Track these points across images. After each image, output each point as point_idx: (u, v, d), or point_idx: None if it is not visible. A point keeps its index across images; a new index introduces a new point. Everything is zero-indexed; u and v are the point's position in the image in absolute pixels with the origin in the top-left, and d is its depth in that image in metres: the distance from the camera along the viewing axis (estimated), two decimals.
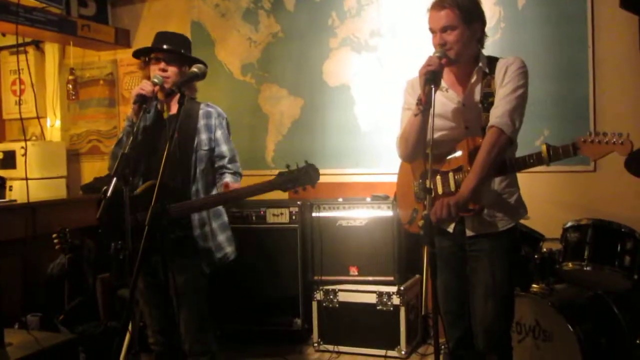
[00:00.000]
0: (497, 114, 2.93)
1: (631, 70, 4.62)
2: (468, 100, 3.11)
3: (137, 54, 3.67)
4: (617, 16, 4.56)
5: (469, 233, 3.13)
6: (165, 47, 3.52)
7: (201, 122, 3.57)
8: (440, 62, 2.91)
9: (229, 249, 3.65)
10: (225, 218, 3.67)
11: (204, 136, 3.55)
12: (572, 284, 4.14)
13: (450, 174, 3.08)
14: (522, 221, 4.13)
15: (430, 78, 2.82)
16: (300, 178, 3.17)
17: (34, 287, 5.30)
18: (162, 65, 3.49)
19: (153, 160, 3.45)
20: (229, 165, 3.57)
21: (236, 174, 3.58)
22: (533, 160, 2.89)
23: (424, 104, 2.88)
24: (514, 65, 3.03)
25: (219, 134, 3.58)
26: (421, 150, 3.11)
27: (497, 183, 3.11)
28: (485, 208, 3.06)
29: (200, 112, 3.59)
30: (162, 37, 3.61)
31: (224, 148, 3.58)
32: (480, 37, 3.13)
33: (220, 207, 3.63)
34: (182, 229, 3.44)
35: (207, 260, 3.53)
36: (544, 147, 2.80)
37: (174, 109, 3.46)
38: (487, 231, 3.11)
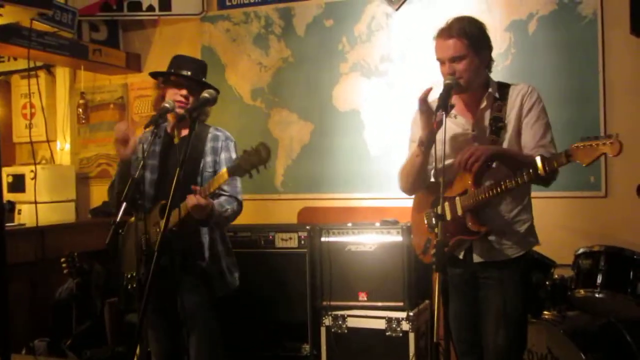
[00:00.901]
0: (541, 143, 2.96)
1: None
2: (478, 127, 3.11)
3: (155, 75, 3.72)
4: (627, 42, 4.57)
5: (477, 259, 3.12)
6: (188, 73, 3.55)
7: (208, 145, 3.62)
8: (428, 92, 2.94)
9: (236, 274, 3.70)
10: (229, 244, 3.72)
11: (209, 158, 3.60)
12: (584, 311, 4.10)
13: (457, 199, 3.08)
14: (533, 247, 4.12)
15: (441, 104, 2.82)
16: (251, 158, 3.00)
17: (42, 312, 5.27)
18: (185, 92, 3.51)
19: (163, 184, 3.49)
20: (225, 187, 3.52)
21: (232, 197, 3.53)
22: (529, 173, 2.84)
23: (426, 142, 2.91)
24: (532, 96, 3.07)
25: (222, 156, 3.62)
26: (421, 186, 3.22)
27: (508, 211, 3.10)
28: (493, 234, 3.06)
29: (209, 135, 3.64)
30: (182, 61, 3.64)
31: (223, 170, 3.51)
32: (488, 63, 3.14)
33: (224, 233, 3.68)
34: (194, 250, 3.50)
35: (218, 283, 3.58)
36: (538, 159, 2.77)
37: (185, 132, 3.52)
38: (495, 259, 3.10)
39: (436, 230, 3.06)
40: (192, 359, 3.48)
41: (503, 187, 2.90)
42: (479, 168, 2.88)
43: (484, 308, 3.14)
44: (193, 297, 3.44)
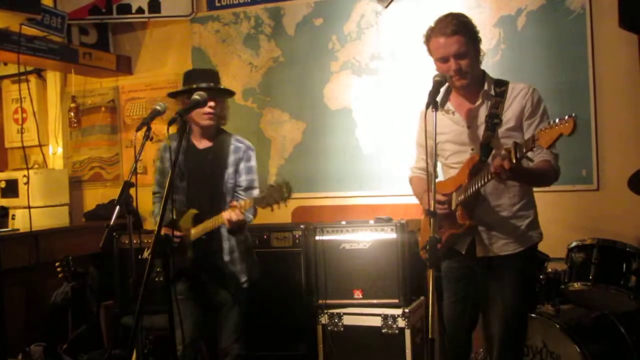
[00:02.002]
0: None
1: (632, 89, 4.63)
2: (473, 123, 3.14)
3: (175, 94, 4.01)
4: (616, 36, 4.58)
5: (478, 254, 3.14)
6: (211, 84, 3.89)
7: (231, 158, 3.95)
8: None
9: (254, 270, 4.08)
10: (250, 243, 4.13)
11: (230, 170, 3.94)
12: (578, 305, 4.11)
13: (454, 194, 3.11)
14: None
15: (430, 101, 2.84)
16: (274, 195, 3.41)
17: (38, 316, 5.27)
18: (213, 103, 3.84)
19: (191, 191, 3.89)
20: (242, 194, 3.94)
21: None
22: (505, 160, 2.84)
23: None
24: (534, 97, 3.13)
25: (241, 166, 3.97)
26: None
27: (510, 205, 3.12)
28: (488, 228, 3.09)
29: (231, 147, 3.98)
30: (198, 75, 3.98)
31: (241, 178, 3.97)
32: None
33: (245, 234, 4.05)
34: (215, 255, 3.90)
35: (234, 282, 3.95)
36: (512, 146, 2.79)
37: (204, 143, 3.98)
38: (494, 254, 3.12)
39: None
40: (222, 340, 3.95)
41: (484, 179, 2.93)
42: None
43: (484, 302, 3.18)
44: (225, 288, 3.91)
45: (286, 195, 3.38)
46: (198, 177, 3.89)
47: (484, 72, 3.21)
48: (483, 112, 3.13)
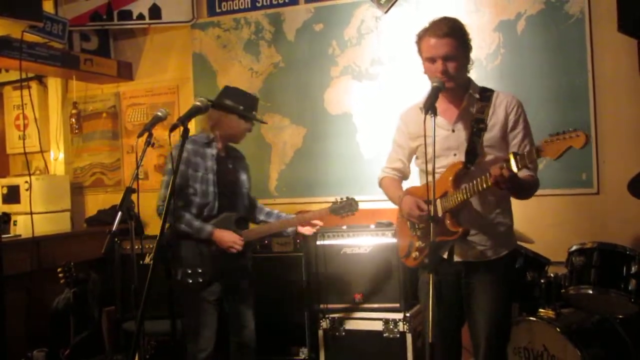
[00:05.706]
0: (532, 158, 2.92)
1: (631, 93, 4.65)
2: (457, 127, 3.15)
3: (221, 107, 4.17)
4: (615, 40, 4.59)
5: (456, 259, 3.15)
6: (254, 113, 4.22)
7: (241, 164, 4.31)
8: None
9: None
10: None
11: (244, 177, 4.27)
12: (579, 308, 4.12)
13: (438, 200, 3.10)
14: (527, 245, 4.16)
15: (429, 106, 2.83)
16: (344, 207, 4.12)
17: (39, 322, 5.27)
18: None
19: (223, 197, 4.08)
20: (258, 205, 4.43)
21: None
22: (504, 169, 2.83)
23: None
24: (518, 109, 3.12)
25: (247, 175, 4.31)
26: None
27: (488, 213, 3.13)
28: (471, 235, 3.10)
29: (237, 154, 4.30)
30: (241, 96, 4.22)
31: (248, 185, 4.31)
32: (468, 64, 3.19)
33: None
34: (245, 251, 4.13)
35: (252, 277, 4.24)
36: (511, 156, 2.77)
37: (222, 151, 4.18)
38: (474, 259, 3.14)
39: (417, 232, 3.22)
40: (245, 330, 4.15)
41: (478, 187, 2.93)
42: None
43: (468, 309, 3.19)
44: (247, 279, 4.19)
45: (355, 208, 4.11)
46: (230, 183, 4.15)
47: (469, 79, 3.21)
48: (468, 117, 3.14)
